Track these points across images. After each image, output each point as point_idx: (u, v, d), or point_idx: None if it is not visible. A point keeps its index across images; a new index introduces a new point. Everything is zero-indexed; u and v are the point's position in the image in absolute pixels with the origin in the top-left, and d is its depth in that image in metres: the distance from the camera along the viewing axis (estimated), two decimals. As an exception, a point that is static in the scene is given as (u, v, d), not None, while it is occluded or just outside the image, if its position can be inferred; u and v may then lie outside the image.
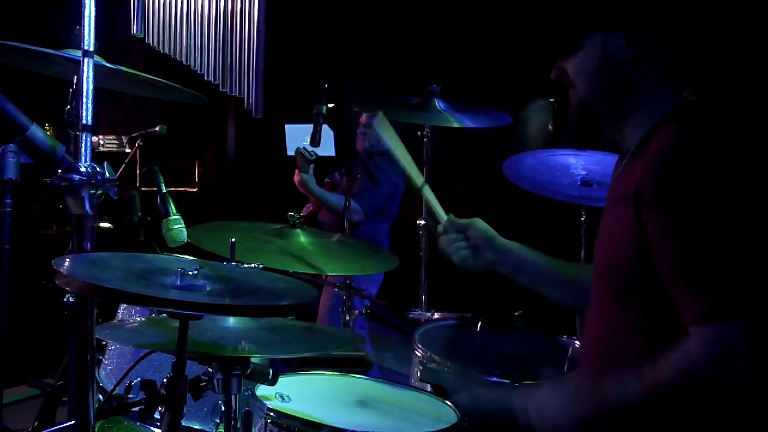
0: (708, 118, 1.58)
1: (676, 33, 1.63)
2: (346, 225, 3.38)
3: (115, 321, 2.15)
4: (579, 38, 1.69)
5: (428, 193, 2.09)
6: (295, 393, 1.92)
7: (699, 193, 1.44)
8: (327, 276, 3.45)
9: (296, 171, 4.13)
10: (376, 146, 4.23)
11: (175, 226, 1.94)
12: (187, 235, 1.96)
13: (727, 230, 1.43)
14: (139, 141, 5.44)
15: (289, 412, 1.77)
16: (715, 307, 1.41)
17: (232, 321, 1.69)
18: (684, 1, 1.65)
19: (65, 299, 1.63)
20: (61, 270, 1.30)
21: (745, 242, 1.43)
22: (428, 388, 2.19)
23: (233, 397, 1.56)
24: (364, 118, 4.31)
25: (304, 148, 4.04)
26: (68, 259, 1.40)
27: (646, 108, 1.65)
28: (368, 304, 3.21)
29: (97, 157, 1.44)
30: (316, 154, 4.07)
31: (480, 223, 1.95)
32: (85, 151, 1.44)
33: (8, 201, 1.54)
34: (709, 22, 1.67)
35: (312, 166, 4.04)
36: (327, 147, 4.89)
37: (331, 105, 3.39)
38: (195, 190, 7.26)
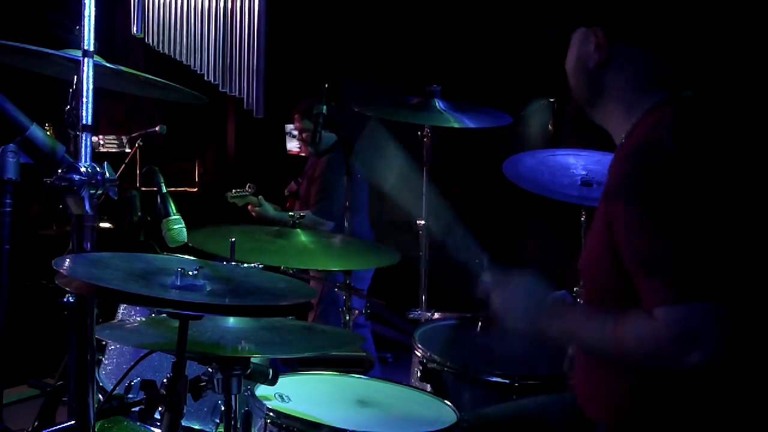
0: (685, 112, 1.58)
1: (646, 39, 1.63)
2: (346, 225, 3.38)
3: (115, 321, 2.15)
4: (565, 31, 1.72)
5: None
6: (295, 393, 1.92)
7: (660, 183, 1.45)
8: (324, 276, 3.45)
9: (249, 206, 4.13)
10: (323, 146, 4.19)
11: (175, 226, 1.94)
12: (188, 239, 1.96)
13: (687, 219, 1.43)
14: (139, 141, 5.43)
15: (288, 412, 1.77)
16: (676, 291, 1.41)
17: (232, 321, 1.69)
18: (657, 6, 1.65)
19: (65, 299, 1.63)
20: (61, 270, 1.31)
21: (705, 232, 1.43)
22: (428, 388, 2.19)
23: (233, 397, 1.56)
24: (297, 122, 4.32)
25: (234, 192, 4.05)
26: (68, 259, 1.41)
27: (625, 107, 1.67)
28: (368, 304, 3.21)
29: (97, 157, 1.44)
30: (251, 188, 4.06)
31: None
32: (85, 151, 1.45)
33: (8, 201, 1.54)
34: (690, 22, 1.66)
35: (261, 196, 4.05)
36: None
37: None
38: (195, 190, 7.25)
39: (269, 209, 4.14)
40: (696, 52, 1.67)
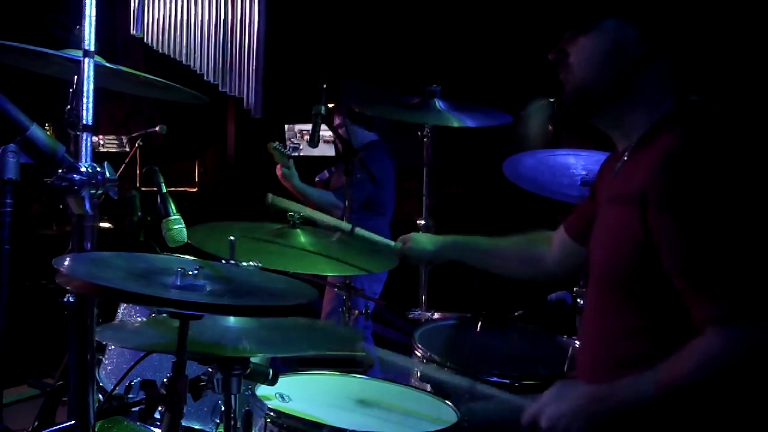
0: (713, 118, 1.57)
1: (687, 34, 1.62)
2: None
3: (116, 322, 2.14)
4: (590, 20, 1.63)
5: (363, 233, 2.52)
6: (295, 393, 1.92)
7: (710, 195, 1.43)
8: (327, 276, 3.45)
9: (278, 165, 4.16)
10: (355, 143, 4.27)
11: (175, 226, 1.94)
12: (187, 237, 1.96)
13: (741, 232, 1.42)
14: (139, 141, 5.44)
15: (289, 412, 1.77)
16: (737, 310, 1.40)
17: (232, 320, 1.69)
18: (694, 2, 1.64)
19: (65, 299, 1.63)
20: (62, 269, 1.30)
21: (760, 243, 1.42)
22: (428, 388, 2.19)
23: (233, 397, 1.56)
24: (337, 120, 4.37)
25: (278, 144, 4.09)
26: (68, 259, 1.40)
27: (645, 107, 1.63)
28: (369, 304, 3.21)
29: (97, 157, 1.44)
30: (293, 149, 4.11)
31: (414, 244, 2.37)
32: (85, 151, 1.45)
33: (8, 201, 1.54)
34: (714, 23, 1.65)
35: (292, 161, 4.09)
36: (325, 146, 4.92)
37: (330, 105, 3.39)
38: (195, 190, 7.26)
39: (296, 176, 4.18)
40: (711, 54, 1.66)
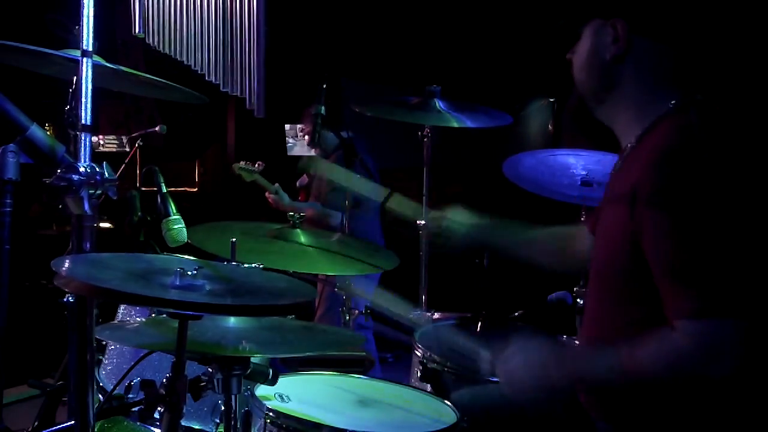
0: (707, 117, 1.57)
1: (668, 35, 1.63)
2: (345, 224, 3.38)
3: (115, 321, 2.14)
4: (581, 24, 1.70)
5: (398, 200, 2.47)
6: (294, 393, 1.92)
7: (695, 193, 1.44)
8: (327, 276, 3.45)
9: (266, 193, 4.20)
10: (326, 147, 4.31)
11: (175, 226, 1.94)
12: (188, 237, 1.96)
13: (720, 231, 1.43)
14: (139, 141, 5.44)
15: (288, 412, 1.77)
16: (704, 304, 1.41)
17: (232, 321, 1.69)
18: (680, 4, 1.65)
19: (65, 299, 1.63)
20: (60, 271, 1.30)
21: (737, 244, 1.44)
22: (428, 388, 2.19)
23: (233, 397, 1.56)
24: (305, 125, 4.41)
25: (242, 164, 4.11)
26: (68, 260, 1.40)
27: (638, 106, 1.65)
28: (369, 304, 3.21)
29: (97, 157, 1.44)
30: (259, 166, 4.14)
31: (450, 221, 2.29)
32: (84, 151, 1.45)
33: (8, 201, 1.54)
34: (709, 23, 1.66)
35: (277, 184, 4.12)
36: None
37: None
38: (195, 190, 7.26)
39: (285, 198, 4.23)
40: (709, 54, 1.66)
